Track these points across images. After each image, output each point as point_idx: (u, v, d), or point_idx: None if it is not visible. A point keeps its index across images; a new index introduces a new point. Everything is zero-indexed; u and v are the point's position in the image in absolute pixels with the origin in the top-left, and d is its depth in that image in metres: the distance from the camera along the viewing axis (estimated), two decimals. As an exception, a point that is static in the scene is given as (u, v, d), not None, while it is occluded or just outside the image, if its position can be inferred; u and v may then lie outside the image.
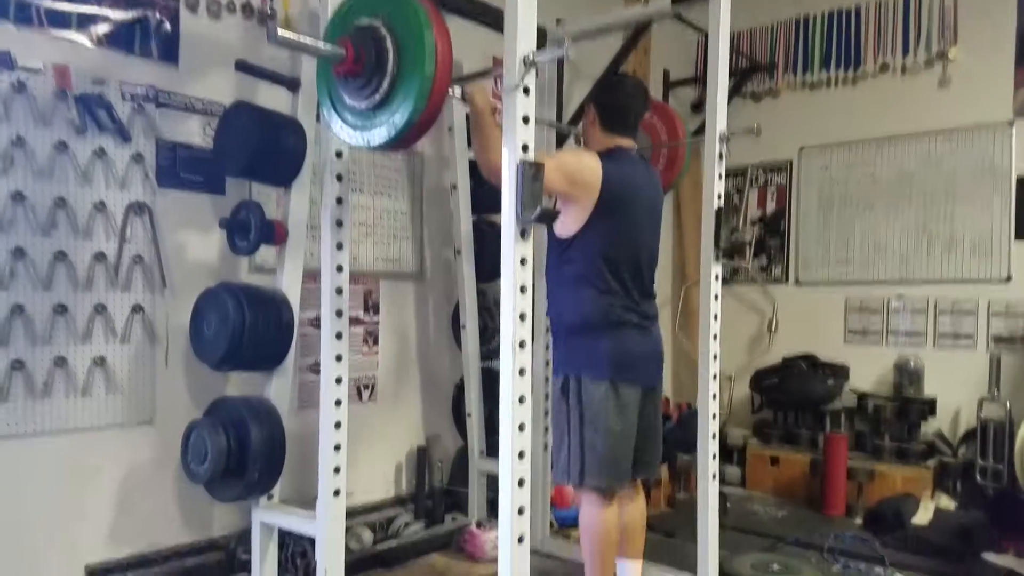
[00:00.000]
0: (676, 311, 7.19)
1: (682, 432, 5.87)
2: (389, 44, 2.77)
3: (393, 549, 4.52)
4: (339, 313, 3.57)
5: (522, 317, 2.83)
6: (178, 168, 3.92)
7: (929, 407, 5.95)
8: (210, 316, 3.65)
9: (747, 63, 7.10)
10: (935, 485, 5.70)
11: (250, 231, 3.75)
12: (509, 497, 2.83)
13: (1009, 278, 5.88)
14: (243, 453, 3.60)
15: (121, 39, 3.71)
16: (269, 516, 3.85)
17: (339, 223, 3.57)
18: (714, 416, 4.00)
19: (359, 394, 4.79)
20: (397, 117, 2.79)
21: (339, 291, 3.57)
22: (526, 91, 2.80)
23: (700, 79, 7.12)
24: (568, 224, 3.47)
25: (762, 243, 7.19)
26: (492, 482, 4.70)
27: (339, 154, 3.55)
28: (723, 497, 5.19)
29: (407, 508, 4.97)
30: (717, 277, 3.99)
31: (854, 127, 6.64)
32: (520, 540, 2.85)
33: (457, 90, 3.49)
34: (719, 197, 3.94)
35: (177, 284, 3.92)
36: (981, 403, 5.41)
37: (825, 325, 6.75)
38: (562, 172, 3.32)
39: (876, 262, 6.54)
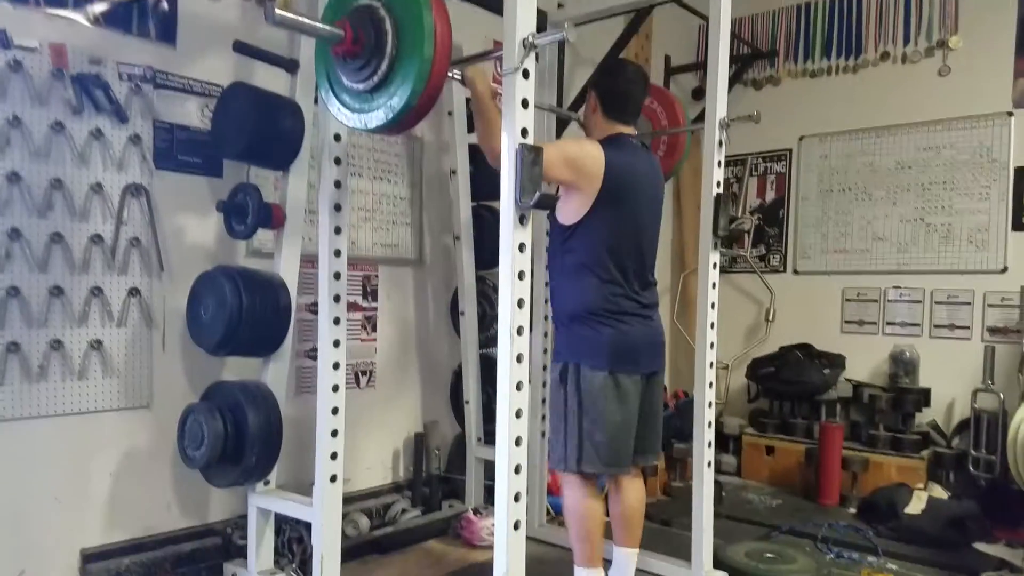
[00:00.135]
0: (675, 299, 7.19)
1: (679, 420, 5.88)
2: (388, 25, 2.75)
3: (390, 535, 4.53)
4: (337, 298, 3.56)
5: (520, 303, 2.82)
6: (175, 150, 3.90)
7: (924, 397, 5.96)
8: (207, 300, 3.63)
9: (748, 50, 7.08)
10: (929, 475, 5.72)
11: (247, 214, 3.73)
12: (506, 483, 2.83)
13: (1005, 269, 5.88)
14: (240, 438, 3.59)
15: (118, 18, 3.68)
16: (266, 501, 3.85)
17: (337, 207, 3.56)
18: (710, 405, 4.00)
19: (357, 380, 4.78)
20: (395, 100, 2.77)
21: (337, 276, 3.56)
22: (525, 74, 2.78)
23: (701, 65, 7.10)
24: (570, 213, 3.46)
25: (761, 232, 7.18)
26: (489, 469, 4.70)
27: (337, 137, 3.54)
28: (718, 486, 5.19)
29: (404, 495, 4.97)
30: (715, 265, 3.99)
31: (854, 116, 6.63)
32: (516, 526, 2.85)
33: (457, 73, 3.47)
34: (718, 185, 3.93)
35: (174, 267, 3.90)
36: (975, 394, 5.42)
37: (822, 315, 6.75)
38: (565, 161, 3.31)
39: (874, 252, 6.54)
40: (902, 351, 6.17)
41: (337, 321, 3.56)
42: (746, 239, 7.15)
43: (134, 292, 3.77)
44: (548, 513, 4.87)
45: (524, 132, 2.79)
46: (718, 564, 4.12)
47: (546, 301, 4.52)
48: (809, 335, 6.61)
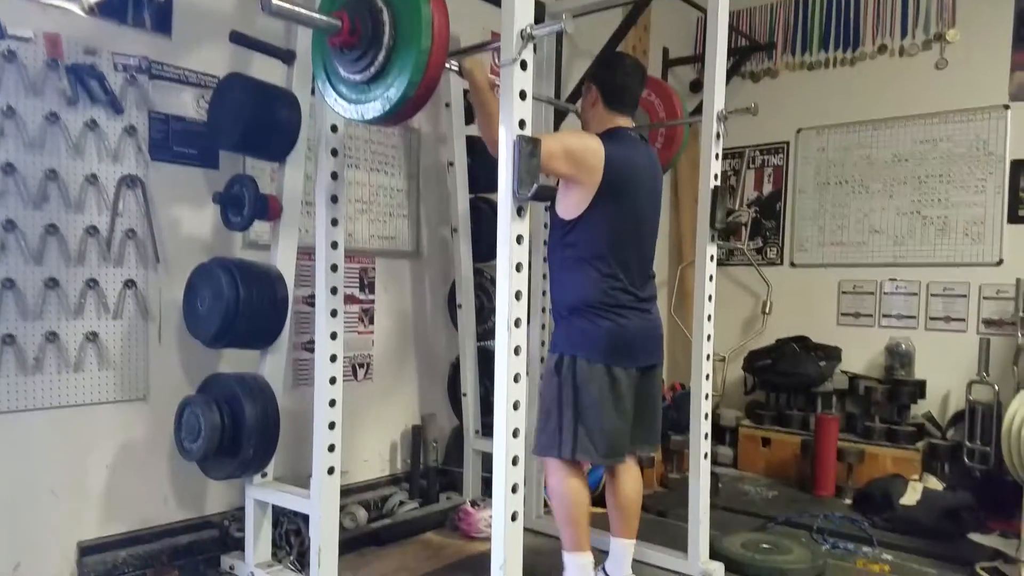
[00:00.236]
0: (672, 291, 7.19)
1: (675, 412, 5.89)
2: (386, 16, 2.75)
3: (387, 527, 4.53)
4: (334, 291, 3.56)
5: (518, 296, 2.82)
6: (171, 141, 3.89)
7: (919, 389, 5.96)
8: (203, 292, 3.62)
9: (746, 42, 7.08)
10: (924, 466, 5.72)
11: (244, 206, 3.72)
12: (503, 475, 2.83)
13: (1000, 262, 5.88)
14: (237, 430, 3.59)
15: (113, 8, 3.66)
16: (263, 494, 3.85)
17: (334, 199, 3.55)
18: (707, 397, 4.02)
19: (354, 373, 4.78)
20: (392, 91, 2.77)
21: (334, 268, 3.56)
22: (523, 65, 2.78)
23: (699, 58, 7.08)
24: (570, 207, 3.46)
25: (758, 225, 7.18)
26: (487, 461, 4.70)
27: (334, 128, 3.54)
28: (715, 477, 5.22)
29: (402, 487, 4.98)
30: (712, 258, 4.00)
31: (851, 109, 6.63)
32: (514, 518, 2.86)
33: (454, 64, 3.46)
34: (716, 177, 3.94)
35: (170, 259, 3.89)
36: (970, 386, 5.42)
37: (818, 307, 6.75)
38: (565, 153, 3.30)
39: (870, 244, 6.54)
40: (898, 343, 6.18)
41: (334, 313, 3.56)
42: (743, 232, 7.15)
43: (130, 284, 3.76)
44: (545, 505, 4.86)
45: (522, 123, 2.78)
46: (714, 555, 4.15)
47: (544, 293, 4.53)
48: (805, 327, 6.61)
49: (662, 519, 5.07)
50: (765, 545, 4.43)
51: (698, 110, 4.18)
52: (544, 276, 4.50)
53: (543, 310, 4.62)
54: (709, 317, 4.00)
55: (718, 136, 3.94)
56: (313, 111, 3.78)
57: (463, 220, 4.96)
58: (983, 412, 5.39)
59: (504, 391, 2.82)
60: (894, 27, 6.42)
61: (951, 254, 6.13)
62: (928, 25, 6.25)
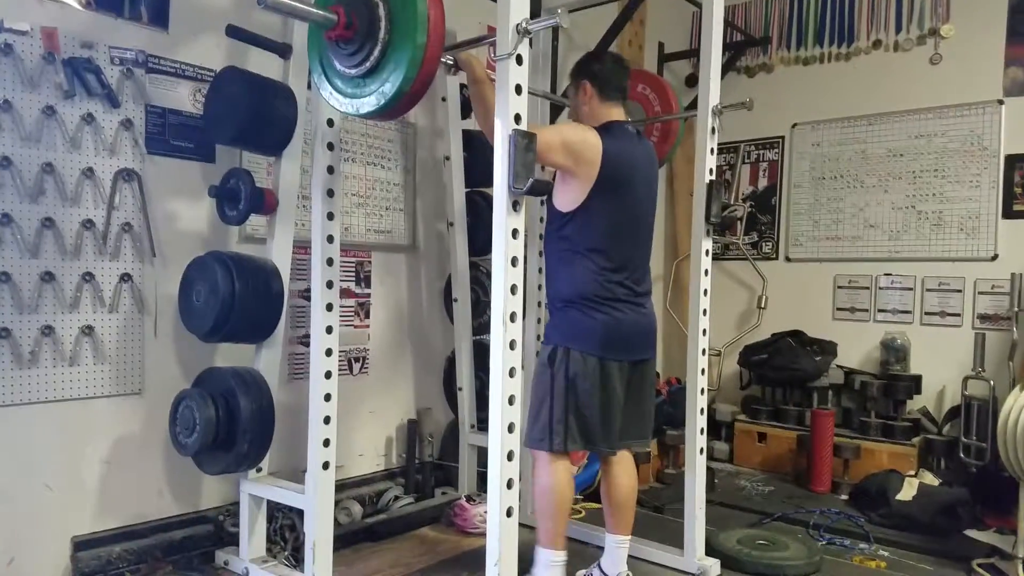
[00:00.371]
0: (667, 285, 7.20)
1: (671, 407, 5.89)
2: (381, 11, 2.75)
3: (382, 522, 4.53)
4: (330, 284, 3.56)
5: (513, 290, 2.82)
6: (168, 135, 3.88)
7: (915, 384, 5.98)
8: (199, 286, 3.62)
9: (741, 37, 7.08)
10: (920, 462, 5.73)
11: (240, 200, 3.72)
12: (498, 470, 2.84)
13: (995, 257, 5.89)
14: (232, 425, 3.59)
15: (110, 2, 3.65)
16: (258, 489, 3.85)
17: (330, 193, 3.55)
18: (703, 391, 4.02)
19: (350, 367, 4.77)
20: (387, 86, 2.77)
21: (330, 262, 3.56)
22: (519, 60, 2.78)
23: (695, 52, 7.07)
24: (567, 200, 3.46)
25: (753, 219, 7.19)
26: (482, 456, 4.69)
27: (330, 122, 3.53)
28: (711, 472, 5.22)
29: (397, 482, 4.98)
30: (708, 252, 4.01)
31: (846, 103, 6.64)
32: (509, 514, 2.86)
33: (450, 58, 3.46)
34: (711, 172, 3.94)
35: (166, 253, 3.89)
36: (966, 381, 5.43)
37: (814, 302, 6.77)
38: (563, 145, 3.31)
39: (865, 239, 6.55)
40: (893, 338, 6.19)
41: (330, 307, 3.56)
42: (738, 226, 7.16)
43: (126, 278, 3.76)
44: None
45: (518, 118, 2.78)
46: (710, 551, 4.15)
47: (540, 287, 4.53)
48: (801, 322, 6.63)
49: (658, 515, 5.08)
50: (761, 541, 4.43)
51: (693, 105, 4.19)
52: (540, 270, 4.50)
53: (539, 304, 4.62)
54: (705, 311, 4.00)
55: (713, 131, 3.95)
56: (309, 105, 3.78)
57: (459, 214, 4.95)
58: (979, 407, 5.39)
59: (499, 386, 2.82)
60: (888, 22, 6.43)
61: (946, 249, 6.14)
62: (922, 20, 6.26)
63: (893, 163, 6.40)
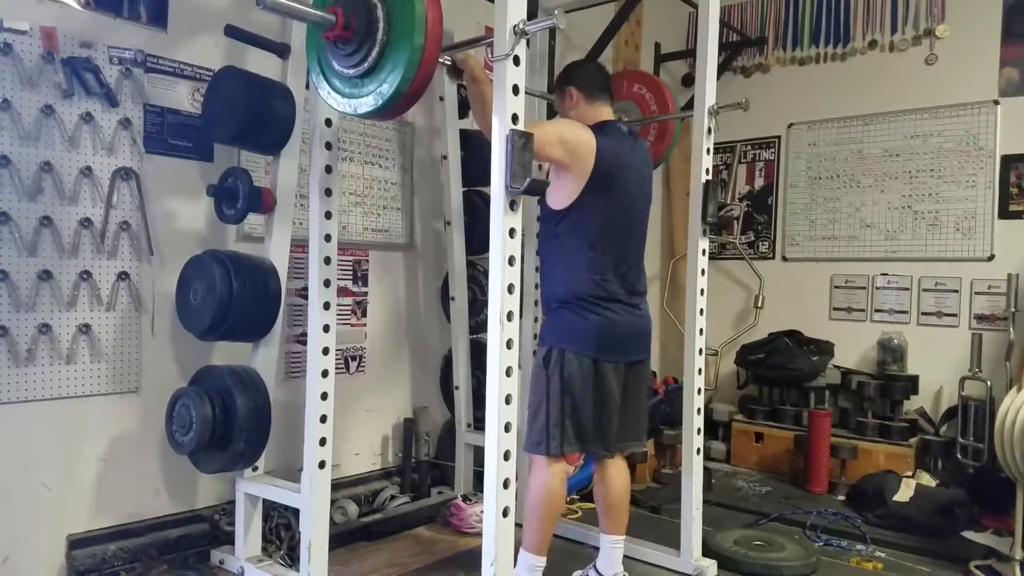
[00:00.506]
0: (664, 285, 7.20)
1: (668, 407, 5.89)
2: (380, 12, 2.76)
3: (378, 522, 4.53)
4: (327, 283, 3.56)
5: (510, 289, 2.82)
6: (166, 134, 3.89)
7: (912, 385, 5.98)
8: (197, 284, 3.63)
9: (737, 37, 7.08)
10: (917, 462, 5.74)
11: (238, 199, 3.72)
12: (495, 470, 2.84)
13: (992, 257, 5.90)
14: (228, 423, 3.59)
15: (109, 1, 3.66)
16: (254, 487, 3.85)
17: (328, 192, 3.56)
18: (699, 391, 4.03)
19: (347, 365, 4.78)
20: (385, 87, 2.78)
21: (327, 261, 3.56)
22: (516, 61, 2.79)
23: (691, 52, 7.08)
24: (561, 197, 3.46)
25: (749, 219, 7.19)
26: (479, 455, 4.70)
27: (328, 122, 3.53)
28: (708, 472, 5.22)
29: (393, 481, 4.98)
30: (704, 252, 4.01)
31: (842, 103, 6.65)
32: (505, 513, 2.86)
33: (448, 59, 3.47)
34: (707, 171, 3.95)
35: (164, 251, 3.89)
36: (963, 381, 5.43)
37: (811, 301, 6.77)
38: (561, 141, 3.31)
39: (862, 239, 6.56)
40: (890, 338, 6.19)
41: (327, 306, 3.56)
42: (735, 226, 7.16)
43: (123, 276, 3.76)
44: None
45: (515, 118, 2.79)
46: (707, 551, 4.16)
47: (536, 287, 4.53)
48: (798, 322, 6.63)
49: (655, 515, 5.09)
50: (758, 542, 4.43)
51: (690, 104, 4.20)
52: (537, 269, 4.50)
53: (536, 303, 4.63)
54: (701, 311, 4.01)
55: (710, 131, 3.96)
56: (307, 105, 3.79)
57: (456, 213, 4.96)
58: (976, 408, 5.38)
59: (496, 385, 2.83)
60: (884, 23, 6.44)
61: (942, 249, 6.15)
62: (918, 21, 6.27)
63: (889, 163, 6.41)
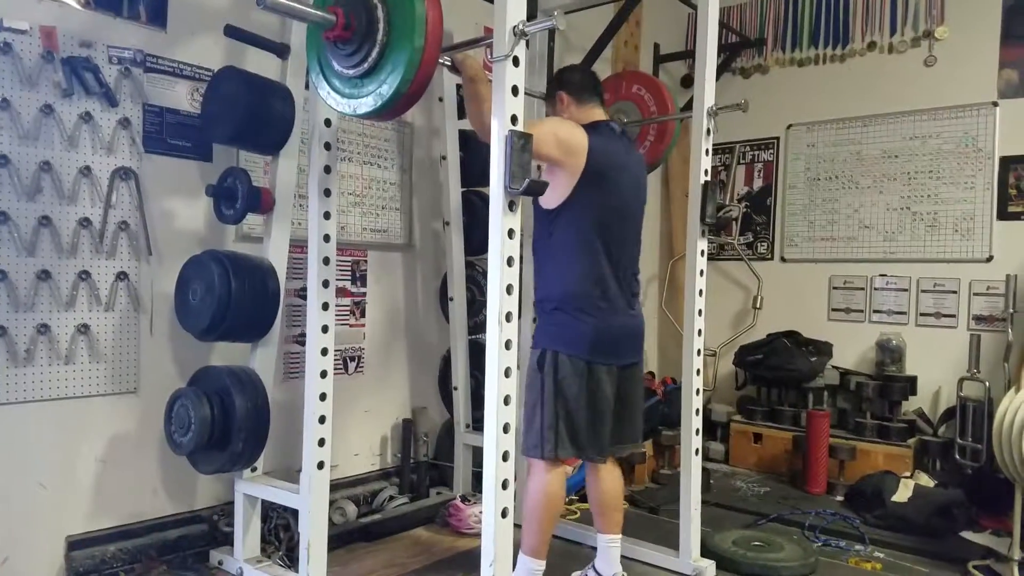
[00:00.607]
0: (663, 285, 7.20)
1: (667, 407, 5.90)
2: (380, 13, 2.76)
3: (377, 523, 4.53)
4: (326, 283, 3.56)
5: (509, 290, 2.82)
6: (165, 134, 3.89)
7: (910, 385, 5.98)
8: (195, 285, 3.63)
9: (736, 38, 7.08)
10: (915, 463, 5.74)
11: (237, 199, 3.72)
12: (493, 471, 2.83)
13: (991, 258, 5.90)
14: (227, 424, 3.59)
15: (109, 1, 3.66)
16: (252, 488, 3.85)
17: (327, 192, 3.56)
18: (698, 392, 4.03)
19: (345, 366, 4.78)
20: (384, 88, 2.78)
21: (326, 261, 3.56)
22: (516, 62, 2.78)
23: (690, 53, 7.09)
24: (554, 196, 3.46)
25: (748, 219, 7.20)
26: (477, 456, 4.71)
27: (328, 122, 3.54)
28: (706, 473, 5.22)
29: (392, 482, 4.98)
30: (703, 253, 4.02)
31: (841, 105, 6.66)
32: (504, 514, 2.86)
33: (447, 59, 3.47)
34: (706, 172, 3.95)
35: (163, 251, 3.89)
36: (961, 382, 5.43)
37: (809, 302, 6.78)
38: (556, 139, 3.31)
39: (860, 240, 6.56)
40: (888, 339, 6.20)
41: (326, 306, 3.56)
42: (734, 227, 7.17)
43: (122, 276, 3.76)
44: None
45: (514, 119, 2.79)
46: (706, 552, 4.15)
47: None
48: (796, 322, 6.63)
49: (653, 515, 5.09)
50: (757, 542, 4.43)
51: (689, 105, 4.20)
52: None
53: (534, 304, 4.62)
54: (700, 312, 4.01)
55: (709, 132, 3.96)
56: (307, 105, 3.79)
57: (455, 213, 4.96)
58: (974, 409, 5.38)
59: (495, 385, 2.82)
60: (883, 24, 6.44)
61: (941, 250, 6.15)
62: (917, 22, 6.28)
63: (888, 164, 6.41)
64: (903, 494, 5.13)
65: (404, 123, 5.04)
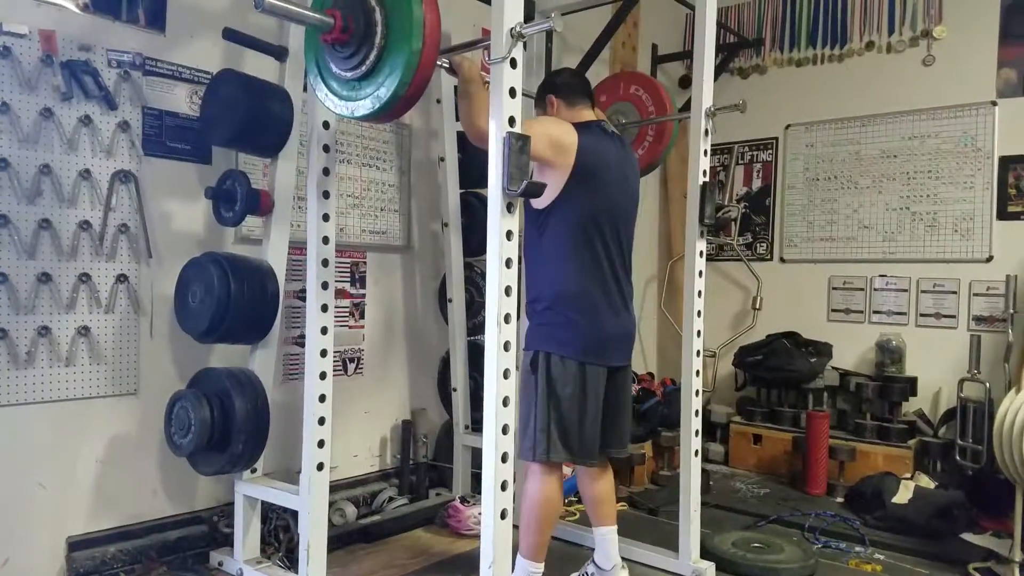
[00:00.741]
0: (662, 286, 7.21)
1: (666, 408, 5.89)
2: (378, 15, 2.76)
3: (377, 524, 4.53)
4: (325, 285, 3.56)
5: (507, 291, 2.82)
6: (164, 136, 3.90)
7: (910, 386, 5.97)
8: (195, 286, 3.63)
9: (734, 38, 7.09)
10: (916, 464, 5.73)
11: (236, 201, 3.73)
12: (492, 472, 2.83)
13: (991, 258, 5.91)
14: (227, 425, 3.60)
15: (108, 5, 3.67)
16: (252, 489, 3.86)
17: (325, 194, 3.56)
18: (697, 393, 4.03)
19: (344, 367, 4.78)
20: (382, 90, 2.78)
21: (325, 263, 3.57)
22: (513, 63, 2.78)
23: (688, 54, 7.09)
24: (544, 195, 3.45)
25: (747, 220, 7.20)
26: (477, 457, 4.70)
27: (326, 124, 3.54)
28: (706, 475, 5.21)
29: (391, 483, 4.98)
30: (702, 254, 4.02)
31: (839, 105, 6.66)
32: (503, 515, 2.85)
33: (445, 61, 3.47)
34: (705, 173, 3.95)
35: (162, 254, 3.90)
36: (961, 383, 5.43)
37: (809, 303, 6.78)
38: (548, 138, 3.31)
39: (860, 240, 6.57)
40: (888, 340, 6.20)
41: (325, 308, 3.56)
42: (733, 227, 7.17)
43: (122, 278, 3.77)
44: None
45: (512, 121, 2.79)
46: (705, 554, 4.15)
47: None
48: (796, 323, 6.63)
49: (653, 517, 5.08)
50: (756, 544, 4.43)
51: (687, 106, 4.21)
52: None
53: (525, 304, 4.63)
54: (699, 312, 4.01)
55: (707, 132, 3.97)
56: (305, 107, 3.80)
57: (453, 215, 4.97)
58: (975, 409, 5.37)
59: (494, 387, 2.82)
60: (881, 24, 6.45)
61: (941, 250, 6.16)
62: (915, 22, 6.28)
63: (887, 164, 6.41)
64: (903, 495, 5.13)
65: (402, 125, 5.05)
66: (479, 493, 2.99)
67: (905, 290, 6.30)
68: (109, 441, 3.78)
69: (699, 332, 4.01)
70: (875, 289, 6.46)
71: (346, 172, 4.71)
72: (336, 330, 3.70)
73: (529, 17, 2.87)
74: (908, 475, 5.56)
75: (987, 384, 5.08)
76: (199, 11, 4.01)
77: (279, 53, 3.89)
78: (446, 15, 2.82)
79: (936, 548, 4.56)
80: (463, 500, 4.70)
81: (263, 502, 3.91)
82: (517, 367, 2.91)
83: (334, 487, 4.09)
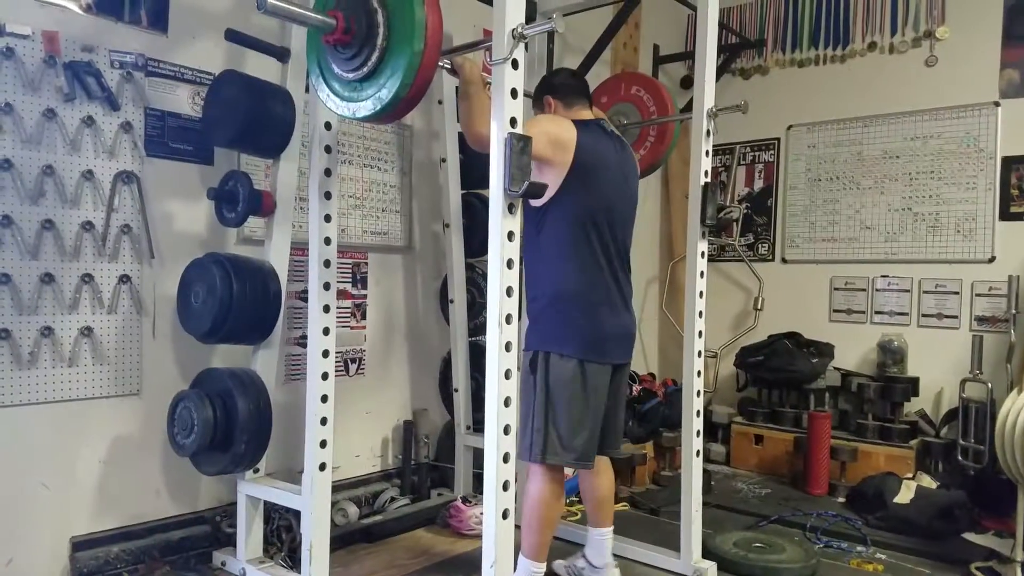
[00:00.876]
0: (663, 287, 7.21)
1: (667, 409, 5.89)
2: (380, 17, 2.76)
3: (379, 524, 4.54)
4: (327, 286, 3.57)
5: (509, 292, 2.82)
6: (167, 137, 3.91)
7: (912, 386, 5.97)
8: (197, 287, 3.64)
9: (736, 39, 7.09)
10: (917, 464, 5.73)
11: (238, 202, 3.74)
12: (494, 472, 2.83)
13: (993, 259, 5.90)
14: (229, 426, 3.60)
15: (110, 6, 3.68)
16: (255, 489, 3.86)
17: (327, 195, 3.57)
18: (699, 393, 4.03)
19: (346, 368, 4.79)
20: (384, 91, 2.78)
21: (327, 264, 3.57)
22: (515, 64, 2.79)
23: (690, 54, 7.09)
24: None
25: (749, 221, 7.20)
26: (478, 457, 4.70)
27: (328, 125, 3.55)
28: (707, 475, 5.22)
29: (393, 483, 4.99)
30: (703, 254, 4.02)
31: (841, 105, 6.66)
32: (505, 515, 2.86)
33: (447, 62, 3.48)
34: (706, 174, 3.96)
35: (165, 254, 3.91)
36: (963, 383, 5.43)
37: (810, 303, 6.78)
38: (548, 137, 3.31)
39: (862, 241, 6.56)
40: (890, 340, 6.19)
41: (327, 309, 3.57)
42: (734, 228, 7.16)
43: (124, 279, 3.78)
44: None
45: (513, 122, 2.79)
46: (707, 554, 4.14)
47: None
48: (798, 324, 6.63)
49: (654, 517, 5.09)
50: (758, 544, 4.43)
51: (689, 107, 4.21)
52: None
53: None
54: (700, 313, 4.01)
55: (708, 133, 3.97)
56: (307, 108, 3.80)
57: (455, 215, 4.97)
58: (977, 410, 5.37)
59: (495, 387, 2.82)
60: (884, 24, 6.45)
61: (943, 251, 6.15)
62: (918, 22, 6.28)
63: (889, 165, 6.41)
64: (905, 495, 5.13)
65: (404, 126, 5.05)
66: (481, 493, 2.99)
67: (907, 291, 6.30)
68: (112, 441, 3.78)
69: (700, 333, 4.02)
70: (877, 290, 6.46)
71: (348, 173, 4.72)
72: (338, 331, 3.71)
73: (530, 18, 2.88)
74: (910, 475, 5.56)
75: (989, 384, 5.08)
76: (201, 12, 4.02)
77: (281, 54, 3.90)
78: (447, 16, 2.83)
79: (938, 548, 4.56)
80: (465, 500, 4.71)
81: (265, 502, 3.91)
82: (518, 368, 2.92)
83: (336, 487, 4.09)
